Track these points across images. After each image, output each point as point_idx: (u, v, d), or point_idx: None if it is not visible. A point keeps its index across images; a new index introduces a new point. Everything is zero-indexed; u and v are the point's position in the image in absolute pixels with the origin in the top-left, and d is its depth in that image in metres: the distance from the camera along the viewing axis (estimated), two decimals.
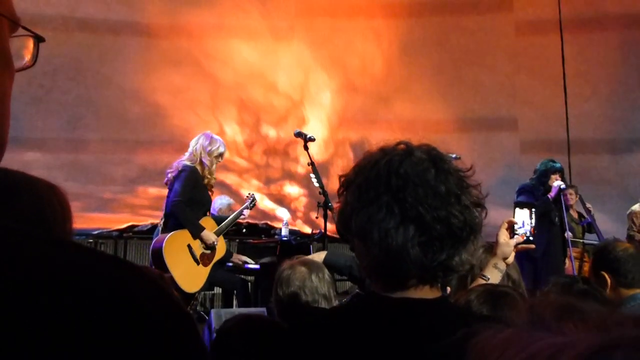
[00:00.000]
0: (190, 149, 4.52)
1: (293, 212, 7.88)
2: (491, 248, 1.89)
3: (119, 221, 6.91)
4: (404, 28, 7.86)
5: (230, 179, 7.61)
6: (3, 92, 0.54)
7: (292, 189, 8.14)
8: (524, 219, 1.78)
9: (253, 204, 5.14)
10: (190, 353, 0.48)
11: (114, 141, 7.34)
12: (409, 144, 1.14)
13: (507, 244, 1.76)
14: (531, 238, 1.79)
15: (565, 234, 5.68)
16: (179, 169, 4.41)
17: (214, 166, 4.49)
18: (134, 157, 7.39)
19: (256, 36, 8.01)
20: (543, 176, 5.24)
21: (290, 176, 8.14)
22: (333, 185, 7.58)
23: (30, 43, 0.61)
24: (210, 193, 4.60)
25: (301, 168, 8.01)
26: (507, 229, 1.77)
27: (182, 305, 0.50)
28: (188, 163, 4.42)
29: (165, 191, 4.65)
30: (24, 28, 0.59)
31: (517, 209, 1.81)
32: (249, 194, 5.30)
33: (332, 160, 8.15)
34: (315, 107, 8.54)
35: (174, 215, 4.37)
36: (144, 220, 6.96)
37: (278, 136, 8.21)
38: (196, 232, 4.39)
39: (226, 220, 4.76)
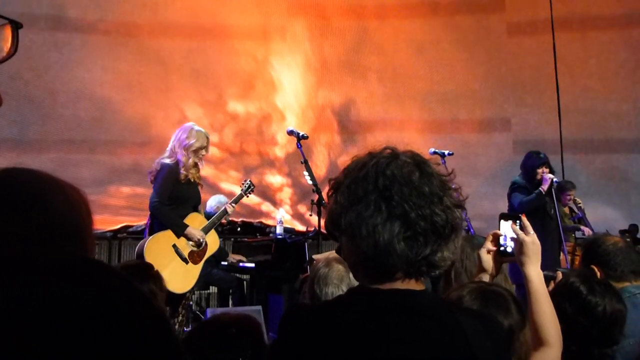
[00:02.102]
0: (169, 145, 4.38)
1: (279, 204, 7.52)
2: (469, 238, 1.91)
3: (101, 222, 6.63)
4: (396, 28, 7.88)
5: (205, 171, 7.18)
6: None
7: (274, 179, 7.57)
8: (507, 230, 1.77)
9: (250, 191, 4.91)
10: (165, 350, 0.51)
11: (70, 142, 6.92)
12: (394, 149, 1.23)
13: (491, 257, 1.78)
14: (509, 250, 1.77)
15: (584, 228, 5.70)
16: (158, 168, 4.31)
17: (191, 160, 4.31)
18: (97, 157, 7.01)
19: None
20: (530, 172, 5.21)
21: (270, 163, 7.58)
22: (318, 169, 7.08)
23: (7, 31, 0.58)
24: (199, 187, 4.47)
25: (279, 150, 7.52)
26: (491, 242, 1.78)
27: (159, 309, 0.53)
28: (166, 161, 4.30)
29: (142, 190, 4.52)
30: None
31: (502, 221, 1.79)
32: (244, 180, 5.06)
33: (315, 136, 7.29)
34: (286, 65, 7.56)
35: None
36: (125, 221, 6.80)
37: (247, 112, 7.48)
38: (179, 231, 4.28)
39: (217, 214, 4.65)
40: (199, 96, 7.36)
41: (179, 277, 4.27)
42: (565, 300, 1.94)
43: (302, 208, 7.31)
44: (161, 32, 7.23)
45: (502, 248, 1.77)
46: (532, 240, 1.67)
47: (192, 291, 4.99)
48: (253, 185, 4.97)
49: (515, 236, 1.70)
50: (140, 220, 6.72)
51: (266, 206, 7.47)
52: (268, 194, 7.51)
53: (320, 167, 7.25)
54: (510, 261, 1.80)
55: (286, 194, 7.61)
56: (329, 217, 1.23)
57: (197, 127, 4.43)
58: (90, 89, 6.91)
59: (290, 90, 7.61)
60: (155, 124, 7.06)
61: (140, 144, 7.01)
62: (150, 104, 7.05)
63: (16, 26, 0.58)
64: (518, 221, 1.72)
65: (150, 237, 4.22)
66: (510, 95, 7.87)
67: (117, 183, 6.91)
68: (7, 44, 0.58)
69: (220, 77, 7.41)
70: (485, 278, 1.77)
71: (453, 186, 1.22)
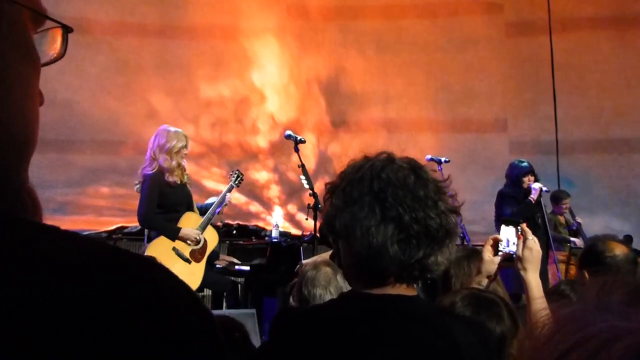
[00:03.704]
0: (148, 153, 4.26)
1: (267, 204, 7.22)
2: (469, 255, 1.91)
3: (84, 223, 6.52)
4: (393, 29, 7.88)
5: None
6: (27, 89, 0.51)
7: (260, 175, 7.18)
8: (509, 236, 1.76)
9: (239, 180, 4.82)
10: (214, 348, 0.49)
11: (39, 144, 6.71)
12: (391, 154, 1.24)
13: (492, 262, 1.77)
14: (514, 255, 1.76)
15: (575, 239, 5.69)
16: (141, 181, 4.24)
17: (174, 162, 4.21)
18: (70, 159, 6.74)
19: None
20: (516, 181, 5.20)
21: (253, 156, 7.14)
22: (306, 160, 6.65)
23: (56, 34, 0.57)
24: (189, 186, 4.42)
25: (261, 140, 7.11)
26: (491, 246, 1.77)
27: (204, 304, 0.51)
28: (148, 171, 4.21)
29: (123, 191, 4.42)
30: (50, 19, 0.55)
31: (503, 226, 1.78)
32: (232, 170, 4.94)
33: (301, 119, 6.74)
34: (261, 33, 6.80)
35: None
36: (110, 221, 6.63)
37: (221, 96, 6.86)
38: (173, 235, 4.26)
39: (210, 209, 4.59)
40: (165, 84, 6.77)
41: (185, 278, 4.28)
42: None
43: (293, 208, 7.10)
44: (116, 26, 6.79)
45: (500, 253, 1.76)
46: (538, 249, 1.70)
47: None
48: (241, 175, 4.86)
49: (516, 241, 1.70)
50: (132, 222, 6.64)
51: (255, 206, 7.15)
52: (255, 193, 7.19)
53: (309, 158, 6.77)
54: (508, 267, 1.78)
55: (274, 192, 7.26)
56: (324, 219, 1.25)
57: (172, 128, 4.37)
58: (50, 90, 6.67)
59: (271, 66, 6.89)
60: (124, 121, 6.76)
61: (112, 143, 6.78)
62: (114, 101, 6.66)
63: (66, 30, 0.58)
64: (518, 227, 1.72)
65: (148, 245, 4.21)
66: (507, 96, 7.88)
67: (95, 184, 6.71)
68: (57, 46, 0.58)
69: (185, 58, 6.78)
70: (484, 281, 1.76)
71: (450, 193, 1.23)
